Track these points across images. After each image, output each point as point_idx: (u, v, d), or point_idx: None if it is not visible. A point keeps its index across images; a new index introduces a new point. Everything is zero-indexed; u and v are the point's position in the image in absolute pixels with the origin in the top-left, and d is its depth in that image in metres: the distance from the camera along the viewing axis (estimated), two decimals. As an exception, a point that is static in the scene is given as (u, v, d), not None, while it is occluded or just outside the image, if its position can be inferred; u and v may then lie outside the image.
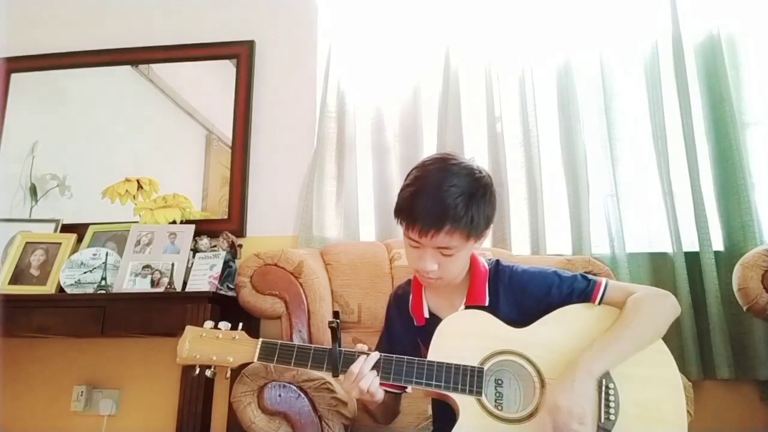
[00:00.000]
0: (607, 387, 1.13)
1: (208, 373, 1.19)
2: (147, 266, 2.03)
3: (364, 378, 1.14)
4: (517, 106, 2.25)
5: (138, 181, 2.24)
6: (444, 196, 1.13)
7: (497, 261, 1.33)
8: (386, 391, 1.22)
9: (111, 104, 2.52)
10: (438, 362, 1.16)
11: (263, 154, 2.39)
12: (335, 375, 1.17)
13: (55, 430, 2.23)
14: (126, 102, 2.52)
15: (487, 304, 1.26)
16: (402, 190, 1.21)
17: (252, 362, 1.21)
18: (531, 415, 1.13)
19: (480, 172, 1.20)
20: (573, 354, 1.15)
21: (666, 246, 2.06)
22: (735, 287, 1.68)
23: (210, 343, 1.19)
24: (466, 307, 1.27)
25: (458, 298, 1.29)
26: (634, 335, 1.16)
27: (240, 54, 2.45)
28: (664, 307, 1.21)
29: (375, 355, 1.17)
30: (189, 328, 1.22)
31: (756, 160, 2.07)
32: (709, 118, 2.12)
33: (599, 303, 1.22)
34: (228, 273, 2.03)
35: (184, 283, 2.01)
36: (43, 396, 2.27)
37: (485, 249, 1.92)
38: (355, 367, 1.15)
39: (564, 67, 2.23)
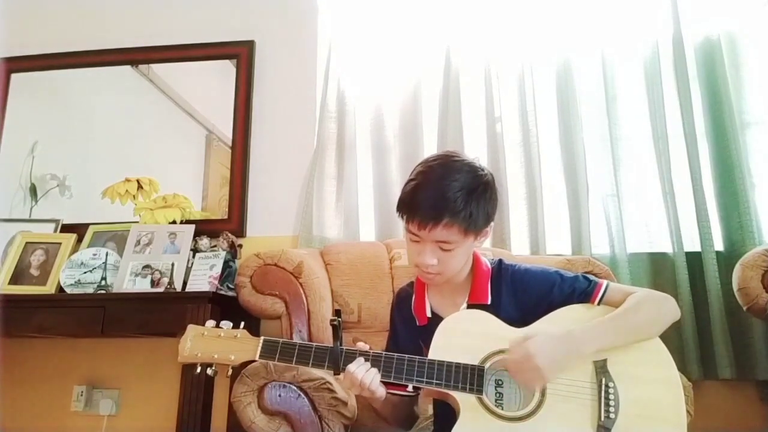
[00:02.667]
0: (606, 386, 1.13)
1: (209, 371, 1.19)
2: (147, 266, 2.03)
3: (363, 376, 1.14)
4: (517, 106, 2.25)
5: (138, 181, 2.24)
6: (444, 190, 1.15)
7: (500, 260, 1.35)
8: (394, 394, 1.23)
9: (111, 104, 2.52)
10: (438, 361, 1.17)
11: (263, 154, 2.38)
12: (337, 373, 1.17)
13: (55, 430, 2.23)
14: (126, 102, 2.52)
15: (489, 302, 1.27)
16: (405, 185, 1.23)
17: (254, 360, 1.21)
18: (531, 414, 1.13)
19: (482, 169, 1.22)
20: None
21: (666, 246, 2.06)
22: (735, 287, 1.68)
23: (212, 342, 1.20)
24: (469, 306, 1.28)
25: (460, 298, 1.29)
26: (625, 326, 1.17)
27: (240, 54, 2.45)
28: (662, 307, 1.22)
29: (372, 354, 1.18)
30: (191, 327, 1.22)
31: (756, 160, 2.07)
32: (709, 118, 2.12)
33: (599, 303, 1.23)
34: (228, 273, 2.03)
35: (184, 283, 2.01)
36: (43, 396, 2.27)
37: (485, 249, 1.92)
38: (352, 366, 1.15)
39: (564, 67, 2.23)
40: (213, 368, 1.19)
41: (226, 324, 1.22)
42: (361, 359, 1.16)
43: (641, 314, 1.18)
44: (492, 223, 1.25)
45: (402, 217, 1.22)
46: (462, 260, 1.24)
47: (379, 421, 1.38)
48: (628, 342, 1.17)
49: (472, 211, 1.15)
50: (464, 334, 1.20)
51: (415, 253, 1.22)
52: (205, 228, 2.18)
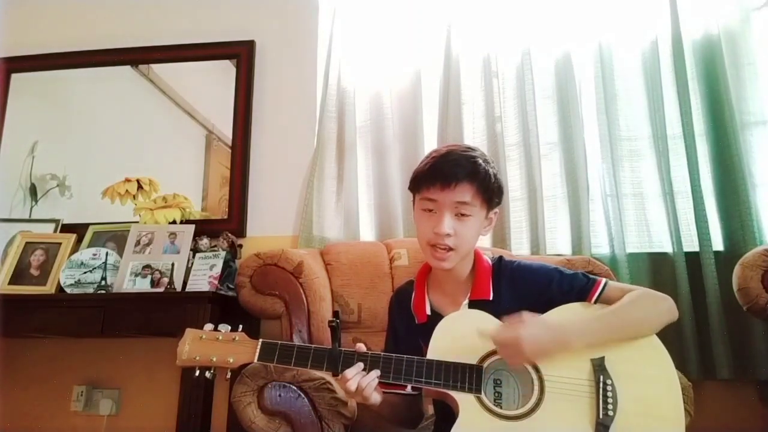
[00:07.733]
0: (605, 383, 1.13)
1: (207, 374, 1.18)
2: (147, 266, 2.03)
3: (356, 384, 1.14)
4: (517, 106, 2.25)
5: (138, 181, 2.24)
6: (464, 156, 1.25)
7: (500, 257, 1.36)
8: (394, 393, 1.23)
9: (111, 104, 2.52)
10: (437, 360, 1.17)
11: (263, 154, 2.38)
12: (335, 375, 1.17)
13: (55, 430, 2.23)
14: (126, 102, 2.52)
15: (491, 298, 1.27)
16: (418, 167, 1.29)
17: (252, 362, 1.21)
18: (530, 412, 1.13)
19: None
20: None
21: (666, 246, 2.06)
22: (735, 287, 1.68)
23: (210, 345, 1.20)
24: (471, 302, 1.28)
25: (462, 295, 1.30)
26: (618, 322, 1.18)
27: (240, 54, 2.45)
28: (658, 306, 1.22)
29: (371, 356, 1.18)
30: (188, 331, 1.22)
31: (756, 160, 2.06)
32: (709, 118, 2.11)
33: (596, 301, 1.23)
34: (228, 273, 2.03)
35: (184, 283, 2.01)
36: (43, 396, 2.27)
37: (485, 249, 1.92)
38: (349, 373, 1.15)
39: (564, 66, 2.23)
40: (212, 371, 1.19)
41: (224, 327, 1.22)
42: (360, 365, 1.16)
43: (635, 312, 1.19)
44: (497, 210, 1.31)
45: (418, 190, 1.27)
46: (473, 238, 1.27)
47: (379, 421, 1.38)
48: (621, 339, 1.17)
49: (489, 177, 1.23)
50: (462, 334, 1.20)
51: (429, 226, 1.24)
52: (205, 228, 2.18)
